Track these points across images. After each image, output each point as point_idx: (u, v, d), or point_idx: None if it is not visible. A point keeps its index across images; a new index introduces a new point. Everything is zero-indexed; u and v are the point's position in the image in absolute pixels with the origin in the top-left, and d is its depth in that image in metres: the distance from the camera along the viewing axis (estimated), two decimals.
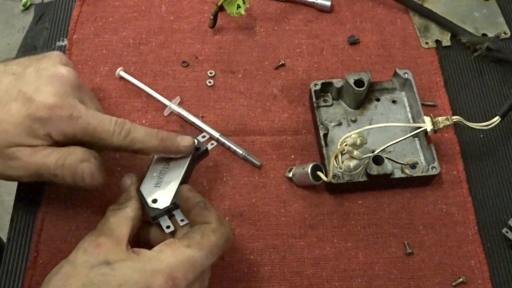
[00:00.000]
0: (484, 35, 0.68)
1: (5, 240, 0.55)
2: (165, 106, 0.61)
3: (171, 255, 0.42)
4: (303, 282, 0.53)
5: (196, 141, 0.52)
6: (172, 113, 0.61)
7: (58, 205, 0.56)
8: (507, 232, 0.54)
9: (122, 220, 0.46)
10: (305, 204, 0.56)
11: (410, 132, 0.56)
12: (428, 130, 0.54)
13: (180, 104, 0.61)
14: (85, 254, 0.42)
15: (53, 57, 0.50)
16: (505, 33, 0.68)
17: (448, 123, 0.54)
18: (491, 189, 0.58)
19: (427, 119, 0.55)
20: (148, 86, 0.62)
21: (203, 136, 0.53)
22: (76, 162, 0.46)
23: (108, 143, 0.48)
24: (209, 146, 0.53)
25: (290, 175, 0.57)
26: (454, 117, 0.54)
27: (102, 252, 0.42)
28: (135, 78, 0.62)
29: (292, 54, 0.66)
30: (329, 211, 0.56)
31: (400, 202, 0.57)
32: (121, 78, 0.63)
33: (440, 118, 0.54)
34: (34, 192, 0.57)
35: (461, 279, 0.52)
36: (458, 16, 0.69)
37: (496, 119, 0.55)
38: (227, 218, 0.56)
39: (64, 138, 0.47)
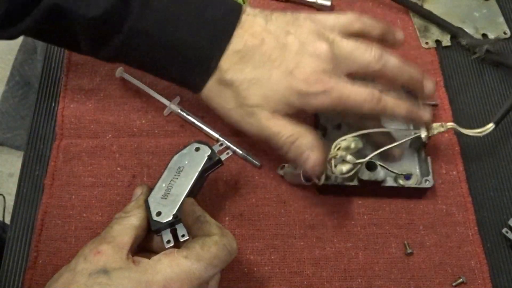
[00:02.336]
0: (484, 35, 0.68)
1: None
2: (165, 106, 0.61)
3: (168, 266, 0.42)
4: (303, 282, 0.53)
5: (210, 150, 0.51)
6: (172, 113, 0.61)
7: (58, 205, 0.56)
8: (507, 232, 0.54)
9: (125, 228, 0.45)
10: (305, 204, 0.56)
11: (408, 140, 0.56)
12: (422, 136, 0.54)
13: (180, 104, 0.61)
14: (85, 261, 0.42)
15: (307, 26, 0.51)
16: (505, 33, 0.68)
17: (442, 129, 0.54)
18: (491, 189, 0.58)
19: None
20: (148, 86, 0.62)
21: (221, 145, 0.52)
22: (305, 148, 0.49)
23: (359, 111, 0.50)
24: (224, 156, 0.51)
25: (282, 173, 0.57)
26: (448, 124, 0.54)
27: (102, 260, 0.42)
28: (135, 78, 0.62)
29: None
30: (329, 211, 0.56)
31: (400, 202, 0.57)
32: (121, 78, 0.63)
33: (434, 125, 0.54)
34: (34, 192, 0.57)
35: (461, 279, 0.52)
36: (458, 16, 0.69)
37: (491, 125, 0.55)
38: (227, 218, 0.56)
39: (314, 111, 0.52)
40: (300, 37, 0.50)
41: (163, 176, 0.50)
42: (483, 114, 0.62)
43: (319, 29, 0.51)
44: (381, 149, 0.54)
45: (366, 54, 0.50)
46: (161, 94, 0.61)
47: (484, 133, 0.54)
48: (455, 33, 0.66)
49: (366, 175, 0.53)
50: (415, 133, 0.54)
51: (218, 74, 0.50)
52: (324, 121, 0.59)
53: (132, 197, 0.50)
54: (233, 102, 0.50)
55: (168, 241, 0.47)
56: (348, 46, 0.50)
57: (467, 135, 0.55)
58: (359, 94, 0.49)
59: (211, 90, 0.51)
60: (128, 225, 0.46)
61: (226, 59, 0.49)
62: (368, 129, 0.54)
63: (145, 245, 0.48)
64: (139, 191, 0.50)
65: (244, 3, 0.63)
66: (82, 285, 0.40)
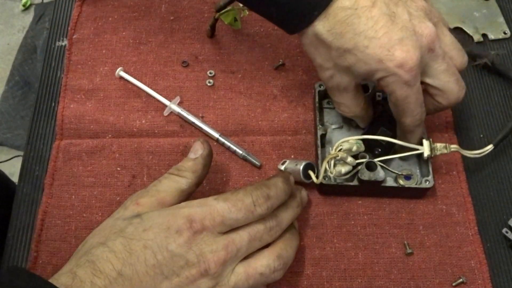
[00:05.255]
0: (484, 35, 0.68)
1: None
2: (165, 106, 0.61)
3: (196, 203, 0.45)
4: (303, 282, 0.53)
5: None
6: (172, 113, 0.61)
7: (58, 205, 0.56)
8: (507, 232, 0.54)
9: (173, 188, 0.48)
10: (305, 204, 0.56)
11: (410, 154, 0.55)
12: (425, 155, 0.53)
13: (180, 104, 0.61)
14: (125, 210, 0.46)
15: (419, 2, 0.49)
16: (505, 33, 0.68)
17: (445, 151, 0.53)
18: (491, 189, 0.58)
19: (425, 143, 0.53)
20: (148, 86, 0.62)
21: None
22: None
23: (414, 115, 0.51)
24: None
25: (283, 168, 0.57)
26: (452, 146, 0.53)
27: (138, 209, 0.46)
28: (135, 78, 0.63)
29: (292, 54, 0.66)
30: (329, 211, 0.56)
31: (400, 202, 0.57)
32: (121, 78, 0.63)
33: (438, 145, 0.53)
34: (34, 192, 0.57)
35: (461, 279, 0.52)
36: (458, 16, 0.69)
37: (490, 147, 0.55)
38: None
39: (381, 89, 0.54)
40: (409, 10, 0.48)
41: None
42: (483, 114, 0.62)
43: (429, 8, 0.49)
44: (383, 157, 0.54)
45: (461, 59, 0.51)
46: (161, 94, 0.62)
47: (482, 154, 0.54)
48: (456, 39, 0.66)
49: (366, 175, 0.53)
50: (417, 150, 0.54)
51: (316, 29, 0.48)
52: (326, 122, 0.60)
53: (191, 151, 0.51)
54: (326, 60, 0.50)
55: None
56: (451, 39, 0.49)
57: (467, 136, 0.55)
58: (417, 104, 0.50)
59: (307, 38, 0.50)
60: (175, 186, 0.48)
61: (329, 14, 0.47)
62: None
63: None
64: (199, 149, 0.51)
65: (241, 14, 0.63)
66: (117, 226, 0.44)
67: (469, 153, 0.54)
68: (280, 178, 0.48)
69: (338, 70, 0.50)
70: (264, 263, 0.45)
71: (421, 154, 0.57)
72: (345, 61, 0.48)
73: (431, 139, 0.54)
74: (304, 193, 0.52)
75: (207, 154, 0.51)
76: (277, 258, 0.46)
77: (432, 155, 0.53)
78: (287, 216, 0.48)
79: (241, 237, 0.45)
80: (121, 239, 0.43)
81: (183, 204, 0.46)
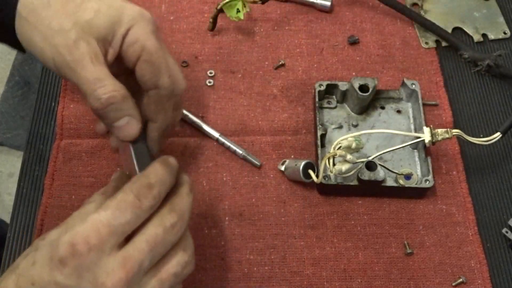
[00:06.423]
0: (484, 35, 0.68)
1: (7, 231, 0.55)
2: None
3: (78, 224, 0.39)
4: (303, 282, 0.53)
5: None
6: None
7: (58, 205, 0.56)
8: (507, 232, 0.54)
9: (81, 216, 0.41)
10: (305, 204, 0.56)
11: (411, 143, 0.56)
12: (426, 141, 0.53)
13: None
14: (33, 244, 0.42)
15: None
16: (505, 33, 0.68)
17: (447, 136, 0.53)
18: (491, 189, 0.58)
19: (426, 129, 0.54)
20: None
21: None
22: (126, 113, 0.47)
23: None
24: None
25: (283, 168, 0.57)
26: (454, 130, 0.53)
27: (40, 242, 0.40)
28: None
29: (292, 54, 0.66)
30: (329, 211, 0.56)
31: (400, 202, 0.57)
32: None
33: (439, 130, 0.53)
34: (34, 192, 0.57)
35: (461, 279, 0.52)
36: (458, 16, 0.69)
37: (497, 135, 0.54)
38: (227, 218, 0.56)
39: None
40: None
41: None
42: (483, 114, 0.62)
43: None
44: (384, 151, 0.54)
45: None
46: None
47: (490, 142, 0.54)
48: (458, 46, 0.66)
49: (366, 175, 0.53)
50: (418, 137, 0.54)
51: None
52: (326, 122, 0.60)
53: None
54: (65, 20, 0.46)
55: None
56: None
57: (467, 134, 0.55)
58: None
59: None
60: (83, 213, 0.41)
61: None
62: None
63: None
64: (113, 177, 0.46)
65: (244, 6, 0.63)
66: (16, 262, 0.40)
67: (476, 140, 0.54)
68: (157, 163, 0.43)
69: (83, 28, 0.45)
70: (174, 262, 0.41)
71: (421, 151, 0.57)
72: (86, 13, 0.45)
73: (431, 126, 0.54)
74: (185, 177, 0.45)
75: (119, 178, 0.45)
76: (183, 252, 0.42)
77: (434, 141, 0.53)
78: (184, 205, 0.43)
79: (140, 250, 0.39)
80: (13, 277, 0.39)
81: (68, 227, 0.39)
